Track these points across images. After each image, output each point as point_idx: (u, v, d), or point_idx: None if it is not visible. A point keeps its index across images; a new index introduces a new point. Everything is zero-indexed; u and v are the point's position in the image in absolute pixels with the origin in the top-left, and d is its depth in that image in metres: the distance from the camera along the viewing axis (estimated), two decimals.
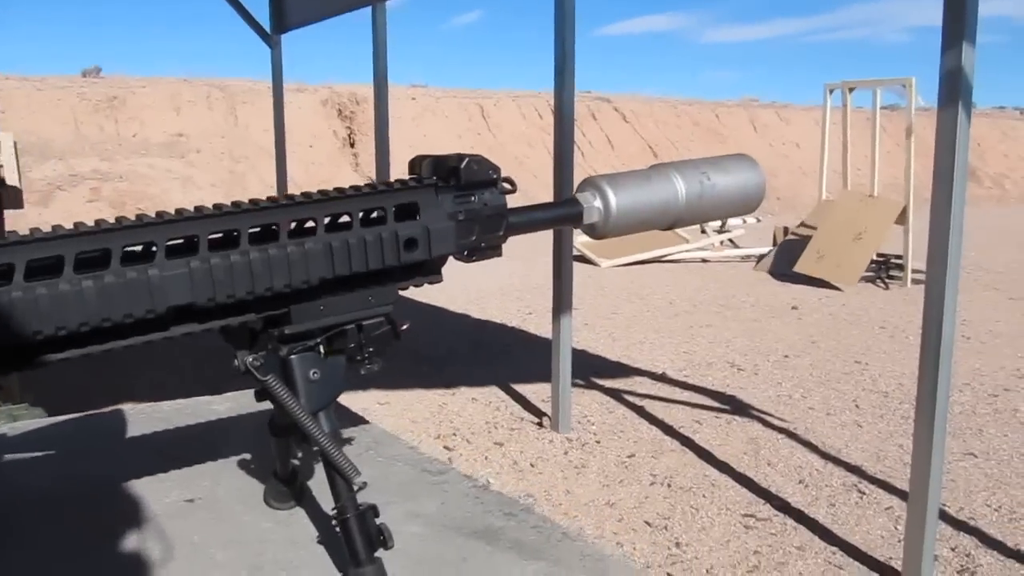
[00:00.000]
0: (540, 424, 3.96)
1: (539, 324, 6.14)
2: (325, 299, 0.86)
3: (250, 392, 1.25)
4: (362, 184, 0.88)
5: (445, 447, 3.68)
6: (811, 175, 16.94)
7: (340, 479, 0.83)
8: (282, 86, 6.48)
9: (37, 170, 12.37)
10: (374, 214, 0.88)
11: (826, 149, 9.38)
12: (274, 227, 0.83)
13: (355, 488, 0.82)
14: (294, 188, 13.02)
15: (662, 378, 4.85)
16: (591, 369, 4.95)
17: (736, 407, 4.30)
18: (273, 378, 0.83)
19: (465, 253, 0.94)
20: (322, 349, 0.87)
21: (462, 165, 0.90)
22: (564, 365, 3.78)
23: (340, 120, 16.14)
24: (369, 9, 5.11)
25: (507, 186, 0.94)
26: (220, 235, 0.80)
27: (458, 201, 0.91)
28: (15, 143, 3.79)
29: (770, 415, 4.17)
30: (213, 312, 0.80)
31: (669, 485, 3.29)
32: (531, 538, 0.91)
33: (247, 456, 1.10)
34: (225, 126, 14.84)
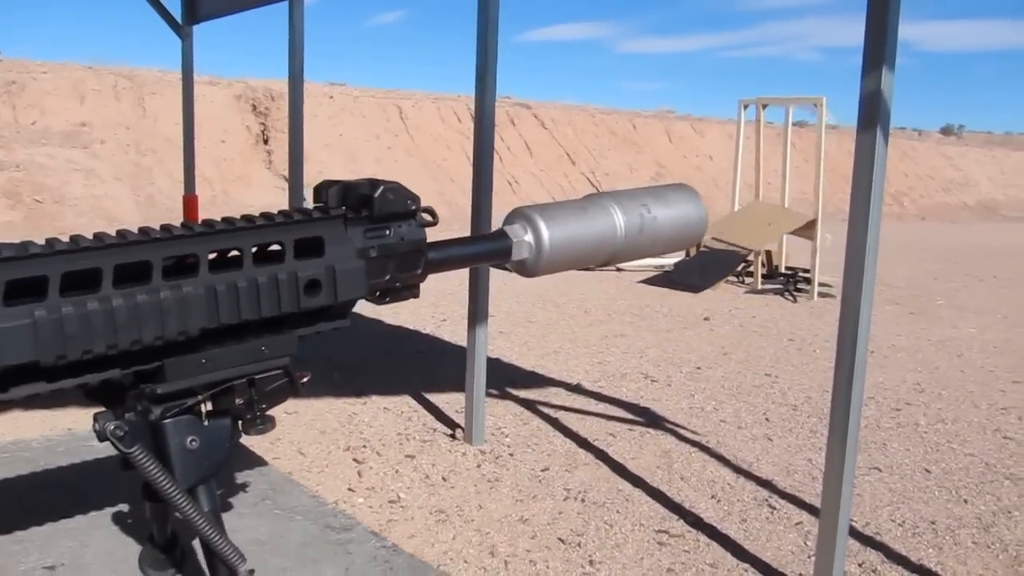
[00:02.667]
0: (453, 436, 3.87)
1: (453, 331, 6.05)
2: (208, 351, 0.72)
3: None
4: (256, 214, 0.75)
5: (355, 459, 3.56)
6: (724, 187, 17.28)
7: (223, 569, 0.70)
8: (192, 79, 6.24)
9: None
10: (270, 249, 0.76)
11: (739, 163, 9.55)
12: (146, 265, 0.68)
13: None
14: (205, 184, 12.68)
15: (577, 389, 4.83)
16: (505, 379, 4.89)
17: (650, 419, 4.30)
18: (139, 450, 0.68)
19: (377, 294, 0.83)
20: (204, 409, 0.75)
21: (376, 194, 0.78)
22: (479, 376, 3.70)
23: (254, 116, 15.74)
24: (286, 3, 4.95)
25: (427, 217, 0.83)
26: (76, 275, 0.65)
27: (370, 235, 0.79)
28: None
29: (683, 427, 4.18)
30: (64, 370, 0.66)
31: (583, 500, 3.24)
32: None
33: (123, 508, 0.96)
34: (132, 117, 14.30)
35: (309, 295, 0.75)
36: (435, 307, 7.10)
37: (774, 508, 3.25)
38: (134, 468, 0.70)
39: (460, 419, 3.99)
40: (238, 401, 0.75)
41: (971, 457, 3.93)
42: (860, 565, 2.83)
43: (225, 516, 0.97)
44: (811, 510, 3.20)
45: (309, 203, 0.84)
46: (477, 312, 3.67)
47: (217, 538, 0.69)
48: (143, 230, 0.69)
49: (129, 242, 0.67)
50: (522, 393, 4.64)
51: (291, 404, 4.18)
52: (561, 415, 4.29)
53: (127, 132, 13.99)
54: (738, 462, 3.73)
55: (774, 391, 4.95)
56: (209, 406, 0.74)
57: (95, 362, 0.67)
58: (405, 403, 4.37)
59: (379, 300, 0.83)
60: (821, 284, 8.55)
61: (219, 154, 14.47)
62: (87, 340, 0.65)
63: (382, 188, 0.78)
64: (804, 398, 4.81)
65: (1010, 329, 7.27)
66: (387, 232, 0.79)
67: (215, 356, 0.73)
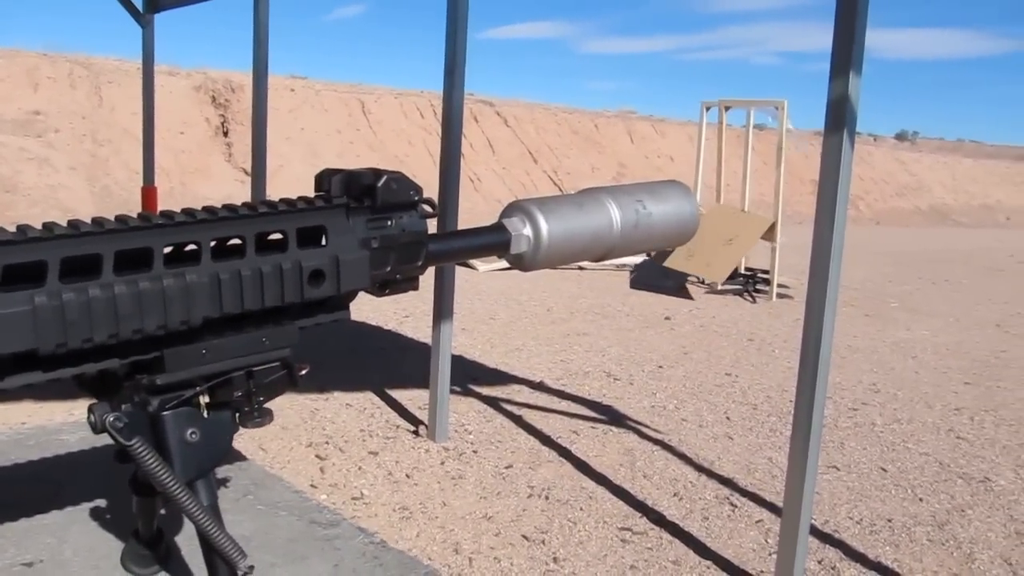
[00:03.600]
0: (416, 432, 3.86)
1: (416, 328, 6.03)
2: (208, 342, 0.70)
3: None
4: (258, 201, 0.74)
5: (317, 456, 3.53)
6: None
7: (222, 565, 0.69)
8: (152, 68, 6.13)
9: None
10: (272, 237, 0.74)
11: (700, 165, 9.63)
12: (147, 252, 0.66)
13: (240, 574, 0.67)
14: (162, 176, 12.48)
15: (540, 386, 4.83)
16: (468, 375, 4.88)
17: (612, 417, 4.32)
18: (139, 442, 0.66)
19: (378, 286, 0.82)
20: (203, 401, 0.73)
21: (379, 183, 0.77)
22: (443, 372, 3.69)
23: (214, 107, 15.52)
24: None
25: (427, 209, 0.82)
26: (75, 261, 0.63)
27: (372, 225, 0.78)
28: None
29: (645, 426, 4.21)
30: (63, 359, 0.64)
31: (547, 497, 3.25)
32: None
33: (101, 503, 0.94)
34: (88, 106, 14.01)
35: (312, 285, 0.74)
36: (397, 303, 7.06)
37: (735, 506, 3.29)
38: (130, 461, 0.68)
39: (423, 416, 3.98)
40: (236, 393, 0.74)
41: (926, 456, 4.00)
42: (819, 562, 2.87)
43: None
44: (771, 508, 3.24)
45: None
46: (443, 309, 3.65)
47: (217, 533, 0.67)
48: (143, 216, 0.66)
49: (130, 227, 0.65)
50: (485, 390, 4.64)
51: None
52: (524, 412, 4.29)
53: (83, 122, 13.70)
54: (700, 460, 3.76)
55: (734, 390, 5.01)
56: (206, 398, 0.72)
57: (94, 351, 0.64)
58: (368, 399, 4.35)
59: (379, 292, 0.82)
60: (779, 285, 8.67)
61: (177, 146, 14.25)
62: (88, 328, 0.63)
63: (385, 178, 0.77)
64: (764, 397, 4.87)
65: (962, 332, 7.43)
66: (389, 223, 0.78)
67: (215, 347, 0.71)
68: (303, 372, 0.78)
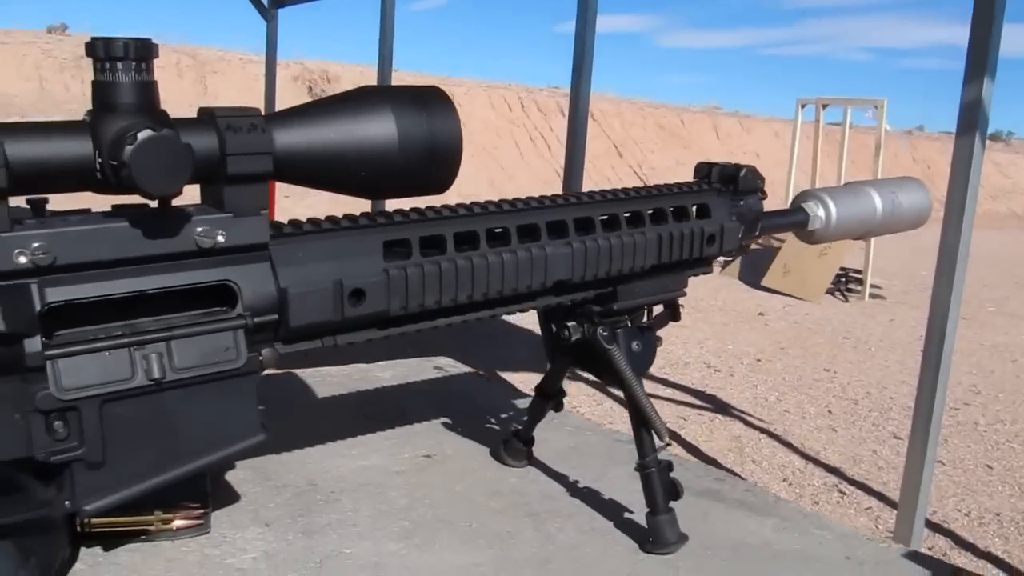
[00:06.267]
0: None
1: (519, 314, 6.23)
2: (639, 282, 0.96)
3: (407, 362, 1.35)
4: (665, 184, 0.98)
5: None
6: (770, 187, 17.23)
7: (648, 438, 0.92)
8: (275, 60, 6.49)
9: None
10: (673, 210, 0.98)
11: (794, 163, 9.62)
12: (614, 216, 0.94)
13: (660, 446, 0.92)
14: None
15: (643, 373, 4.99)
16: None
17: (717, 406, 4.46)
18: (616, 347, 0.92)
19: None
20: (628, 324, 0.97)
21: (741, 174, 1.01)
22: None
23: (310, 97, 16.01)
24: None
25: (762, 195, 1.05)
26: (579, 221, 0.91)
27: (732, 204, 1.02)
28: None
29: (749, 415, 4.34)
30: (570, 288, 0.91)
31: None
32: (751, 499, 1.02)
33: (447, 420, 1.17)
34: (193, 94, 14.62)
35: (708, 246, 0.97)
36: None
37: (844, 493, 3.41)
38: (581, 364, 0.93)
39: None
40: (643, 321, 0.98)
41: None
42: (930, 549, 2.98)
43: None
44: (880, 496, 3.36)
45: None
46: None
47: (653, 413, 0.91)
48: (603, 192, 0.93)
49: (607, 200, 0.93)
50: (591, 375, 4.81)
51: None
52: None
53: (189, 110, 14.15)
54: (805, 450, 3.88)
55: (834, 385, 5.09)
56: (628, 324, 0.97)
57: (586, 283, 0.91)
58: None
59: (727, 254, 1.04)
60: (872, 285, 8.63)
61: None
62: (595, 266, 0.91)
63: (745, 170, 1.01)
64: (864, 393, 4.94)
65: None
66: (742, 203, 1.01)
67: (643, 285, 0.98)
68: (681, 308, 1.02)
